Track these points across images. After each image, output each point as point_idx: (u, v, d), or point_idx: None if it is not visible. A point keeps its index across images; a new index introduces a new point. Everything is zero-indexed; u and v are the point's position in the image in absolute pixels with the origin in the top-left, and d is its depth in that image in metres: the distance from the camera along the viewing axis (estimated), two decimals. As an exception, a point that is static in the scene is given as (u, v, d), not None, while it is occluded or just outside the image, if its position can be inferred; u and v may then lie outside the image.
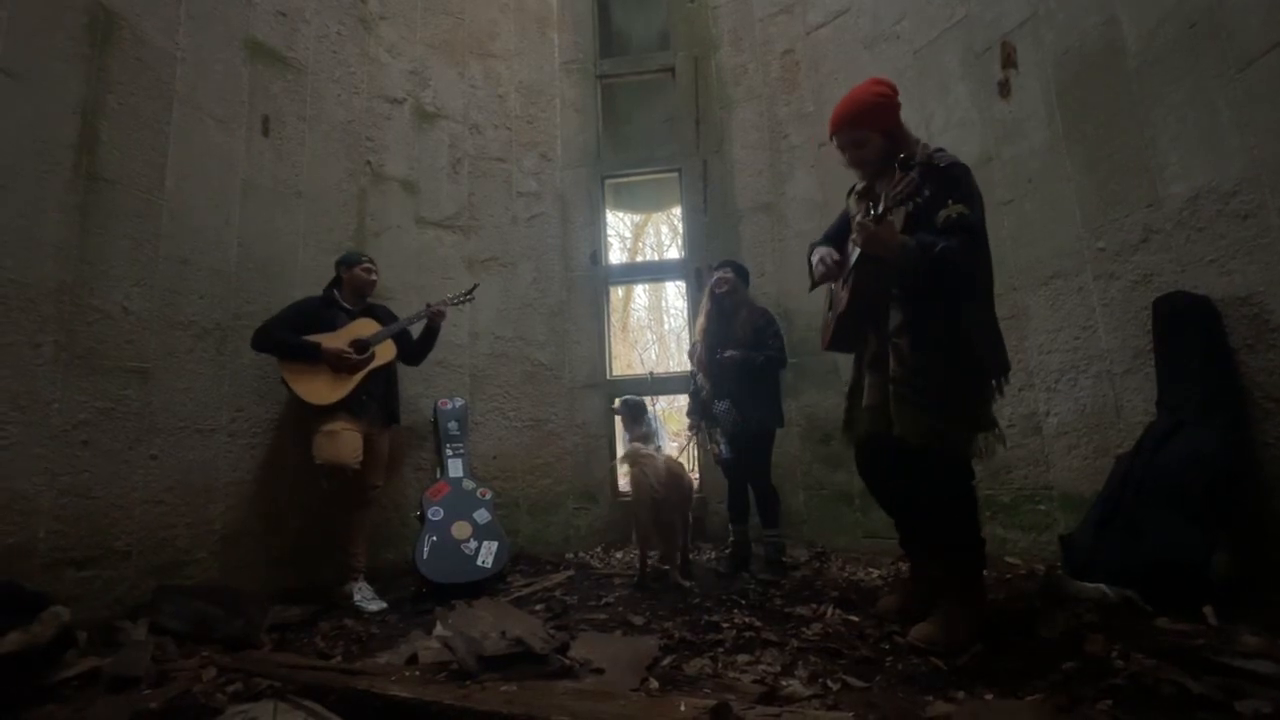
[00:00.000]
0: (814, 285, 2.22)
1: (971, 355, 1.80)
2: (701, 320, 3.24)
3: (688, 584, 2.75)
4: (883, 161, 1.93)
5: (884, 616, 2.07)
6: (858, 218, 1.80)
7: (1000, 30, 2.95)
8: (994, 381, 1.86)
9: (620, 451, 3.94)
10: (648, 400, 3.47)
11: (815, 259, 2.12)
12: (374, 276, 3.09)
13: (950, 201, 1.76)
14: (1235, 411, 2.07)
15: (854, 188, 2.15)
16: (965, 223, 1.75)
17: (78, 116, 2.48)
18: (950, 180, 1.80)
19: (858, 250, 1.88)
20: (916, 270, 1.76)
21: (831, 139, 2.04)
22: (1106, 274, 2.54)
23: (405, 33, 4.03)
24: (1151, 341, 2.33)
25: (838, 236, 2.17)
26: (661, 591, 2.68)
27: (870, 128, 1.93)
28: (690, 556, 3.04)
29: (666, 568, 2.89)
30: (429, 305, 3.17)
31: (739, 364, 2.97)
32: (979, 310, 1.85)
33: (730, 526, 3.16)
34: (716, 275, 3.20)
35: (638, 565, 2.88)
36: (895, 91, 1.97)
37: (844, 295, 1.99)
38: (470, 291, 3.37)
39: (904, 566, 2.60)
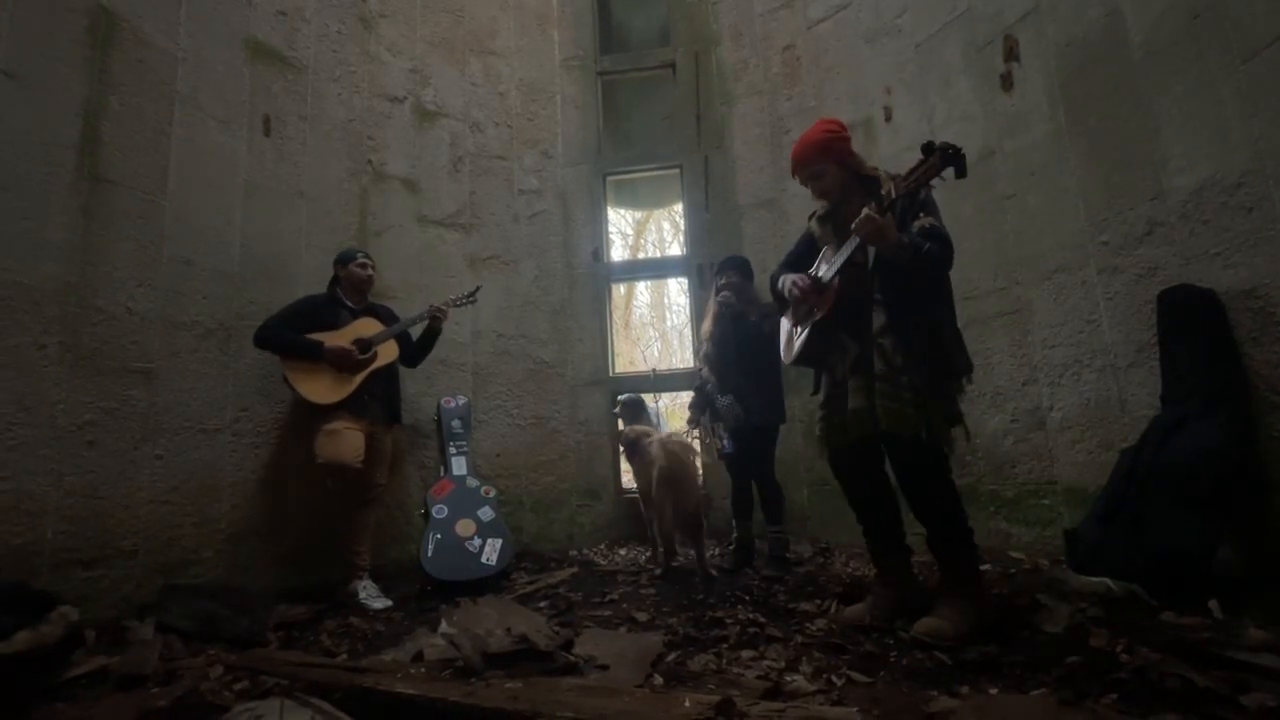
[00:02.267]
0: (784, 309, 2.31)
1: (945, 354, 1.92)
2: (708, 324, 3.27)
3: (715, 573, 2.81)
4: (842, 189, 2.12)
5: (849, 625, 2.02)
6: (865, 210, 1.87)
7: (1002, 23, 2.93)
8: (960, 380, 1.97)
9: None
10: (650, 398, 3.50)
11: (787, 285, 2.17)
12: (370, 272, 3.09)
13: (922, 214, 1.94)
14: (1240, 405, 2.06)
15: (815, 213, 2.29)
16: (940, 233, 1.91)
17: (80, 118, 2.49)
18: (923, 199, 1.96)
19: (843, 256, 1.97)
20: (907, 266, 1.87)
21: (795, 177, 2.22)
22: (1110, 268, 2.53)
23: (405, 31, 4.02)
24: (1156, 335, 2.32)
25: (801, 261, 2.27)
26: (675, 583, 2.72)
27: (825, 160, 2.12)
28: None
29: (675, 563, 2.94)
30: (432, 306, 3.18)
31: (749, 344, 3.00)
32: (947, 315, 1.99)
33: (734, 523, 3.16)
34: (721, 291, 3.20)
35: (660, 558, 2.97)
36: (844, 128, 2.16)
37: (823, 304, 2.08)
38: (473, 293, 3.37)
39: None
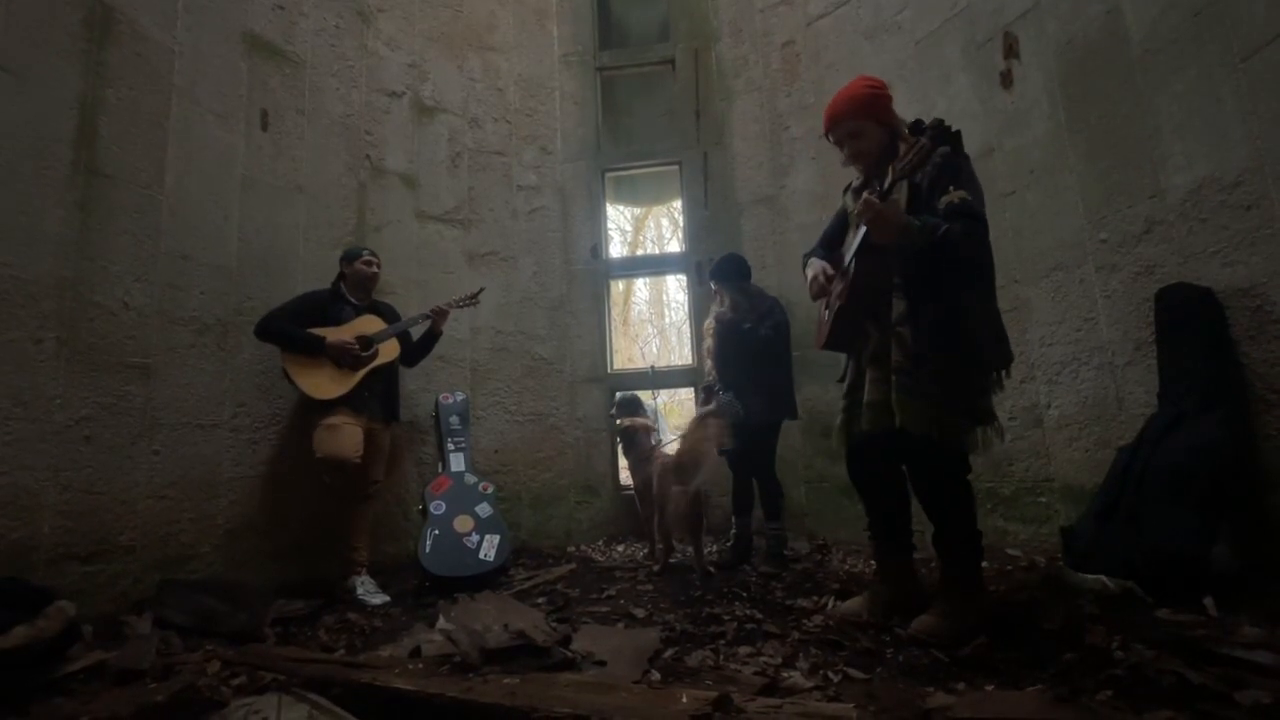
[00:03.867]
0: (815, 297, 2.18)
1: (972, 346, 1.78)
2: (709, 323, 3.29)
3: (712, 569, 2.83)
4: (881, 152, 1.93)
5: (845, 620, 2.00)
6: (864, 195, 1.76)
7: (1002, 20, 2.93)
8: (995, 374, 1.84)
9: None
10: (647, 394, 3.51)
11: (810, 274, 2.10)
12: (375, 269, 3.09)
13: (952, 188, 1.76)
14: (1236, 403, 2.06)
15: (850, 185, 2.14)
16: (968, 208, 1.74)
17: (76, 111, 2.47)
18: (952, 168, 1.79)
19: (858, 240, 1.86)
20: (922, 250, 1.74)
21: (828, 136, 2.03)
22: (1108, 265, 2.53)
23: (404, 25, 4.01)
24: (1153, 333, 2.32)
25: (835, 237, 2.15)
26: (673, 579, 2.74)
27: (865, 118, 1.92)
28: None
29: (672, 559, 2.96)
30: (434, 307, 3.18)
31: (750, 346, 3.01)
32: (980, 301, 1.83)
33: (733, 519, 3.17)
34: (715, 309, 3.22)
35: (658, 554, 2.99)
36: (885, 86, 1.98)
37: (843, 288, 1.96)
38: (476, 294, 3.36)
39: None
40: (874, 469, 2.04)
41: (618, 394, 3.53)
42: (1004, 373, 1.85)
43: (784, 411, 3.08)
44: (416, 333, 3.23)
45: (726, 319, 3.13)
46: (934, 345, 1.76)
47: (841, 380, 2.11)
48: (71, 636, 1.82)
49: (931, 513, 1.90)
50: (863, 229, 1.82)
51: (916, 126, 1.67)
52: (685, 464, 2.82)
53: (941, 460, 1.81)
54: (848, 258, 1.94)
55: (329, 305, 2.97)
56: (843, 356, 2.13)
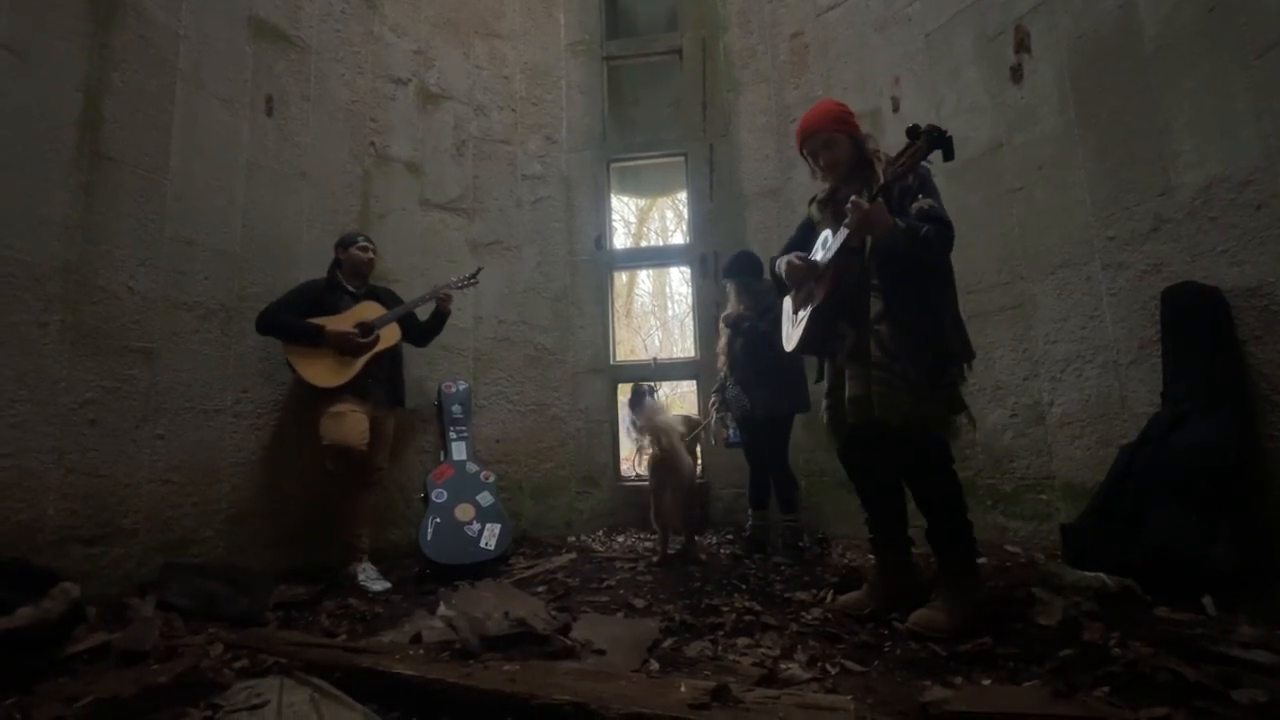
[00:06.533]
0: (785, 292, 2.26)
1: (943, 342, 1.88)
2: (723, 340, 3.28)
3: (704, 557, 2.89)
4: (850, 163, 2.04)
5: (843, 613, 2.04)
6: (851, 198, 1.84)
7: (1014, 13, 2.90)
8: (961, 366, 1.93)
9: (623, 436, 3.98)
10: (650, 385, 3.51)
11: (783, 265, 2.14)
12: (370, 255, 3.08)
13: (921, 196, 1.89)
14: (1241, 403, 2.06)
15: (815, 197, 2.23)
16: (938, 214, 1.86)
17: (81, 94, 2.47)
18: (921, 179, 1.91)
19: (837, 243, 1.92)
20: (905, 251, 1.82)
21: (801, 150, 2.15)
22: (1115, 263, 2.52)
23: (410, 12, 3.98)
24: (1159, 332, 2.31)
25: (800, 245, 2.21)
26: (675, 570, 2.77)
27: (837, 130, 2.05)
28: (696, 538, 3.10)
29: (673, 551, 2.98)
30: (435, 288, 3.18)
31: (753, 341, 3.02)
32: (948, 301, 1.94)
33: (750, 512, 3.20)
34: (726, 311, 3.21)
35: (658, 545, 3.02)
36: (849, 108, 2.13)
37: (819, 291, 2.03)
38: (475, 275, 3.36)
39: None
40: (867, 464, 2.10)
41: (644, 384, 3.44)
42: (967, 366, 1.94)
43: (793, 405, 3.06)
44: (424, 313, 3.22)
45: (732, 318, 3.17)
46: (911, 340, 1.85)
47: (818, 381, 2.21)
48: (75, 618, 1.84)
49: (922, 505, 1.96)
50: (842, 232, 1.90)
51: (913, 131, 1.77)
52: (666, 460, 2.87)
53: (924, 450, 1.89)
54: (825, 259, 2.00)
55: (326, 294, 2.96)
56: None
